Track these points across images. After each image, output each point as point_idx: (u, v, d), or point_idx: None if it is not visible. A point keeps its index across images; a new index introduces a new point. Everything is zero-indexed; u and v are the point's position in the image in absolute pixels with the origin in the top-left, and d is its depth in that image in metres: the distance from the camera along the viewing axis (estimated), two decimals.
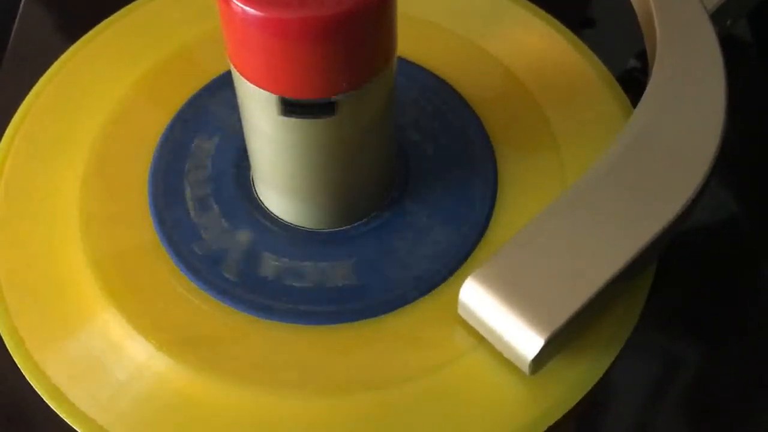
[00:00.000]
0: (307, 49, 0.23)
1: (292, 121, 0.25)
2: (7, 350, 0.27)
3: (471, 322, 0.26)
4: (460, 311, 0.26)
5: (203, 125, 0.31)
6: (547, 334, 0.24)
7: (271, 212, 0.29)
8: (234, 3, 0.22)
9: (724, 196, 0.31)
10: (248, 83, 0.25)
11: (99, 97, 0.32)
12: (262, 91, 0.24)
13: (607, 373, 0.27)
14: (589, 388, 0.26)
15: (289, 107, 0.25)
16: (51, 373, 0.26)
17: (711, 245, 0.31)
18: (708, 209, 0.30)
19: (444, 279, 0.28)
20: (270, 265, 0.28)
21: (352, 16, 0.22)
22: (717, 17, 0.31)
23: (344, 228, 0.29)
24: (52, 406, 0.26)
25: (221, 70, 0.32)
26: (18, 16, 0.36)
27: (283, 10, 0.22)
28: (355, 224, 0.29)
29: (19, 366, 0.27)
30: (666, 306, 0.29)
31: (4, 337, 0.27)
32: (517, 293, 0.25)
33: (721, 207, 0.31)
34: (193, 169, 0.30)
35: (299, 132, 0.25)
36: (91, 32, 0.34)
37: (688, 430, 0.27)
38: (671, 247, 0.28)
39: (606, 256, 0.25)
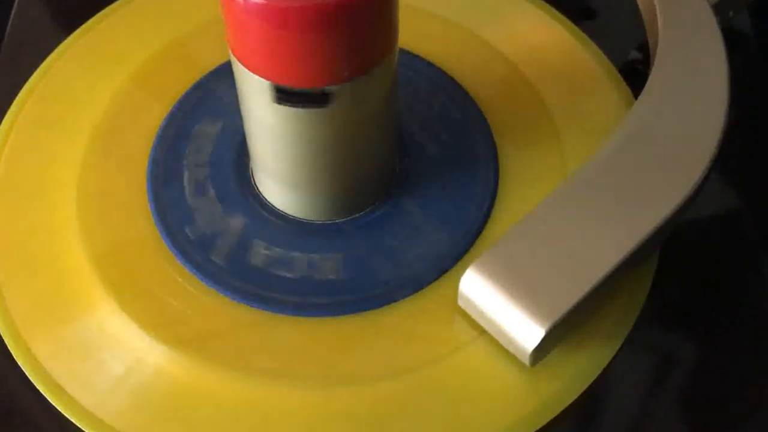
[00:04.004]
0: (296, 37, 0.23)
1: (285, 109, 0.25)
2: (4, 343, 0.27)
3: (471, 312, 0.26)
4: (460, 302, 0.26)
5: (207, 111, 0.31)
6: (548, 325, 0.24)
7: (267, 200, 0.29)
8: None
9: (724, 189, 0.31)
10: (244, 68, 0.25)
11: (96, 89, 0.32)
12: (256, 77, 0.24)
13: (609, 367, 0.26)
14: (591, 381, 0.26)
15: (282, 95, 0.24)
16: (48, 366, 0.26)
17: (712, 240, 0.31)
18: (709, 204, 0.30)
19: (444, 272, 0.28)
20: (261, 253, 0.28)
21: (341, 7, 0.22)
22: (719, 9, 0.31)
23: (341, 220, 0.29)
24: (49, 399, 0.26)
25: (219, 62, 0.32)
26: (15, 7, 0.36)
27: None
28: (351, 217, 0.29)
29: (16, 359, 0.26)
30: (667, 301, 0.28)
31: (1, 330, 0.27)
32: (517, 283, 0.25)
33: (722, 201, 0.31)
34: (193, 152, 0.30)
35: (293, 121, 0.25)
36: (88, 23, 0.34)
37: (688, 425, 0.27)
38: (672, 241, 0.28)
39: (607, 246, 0.25)
